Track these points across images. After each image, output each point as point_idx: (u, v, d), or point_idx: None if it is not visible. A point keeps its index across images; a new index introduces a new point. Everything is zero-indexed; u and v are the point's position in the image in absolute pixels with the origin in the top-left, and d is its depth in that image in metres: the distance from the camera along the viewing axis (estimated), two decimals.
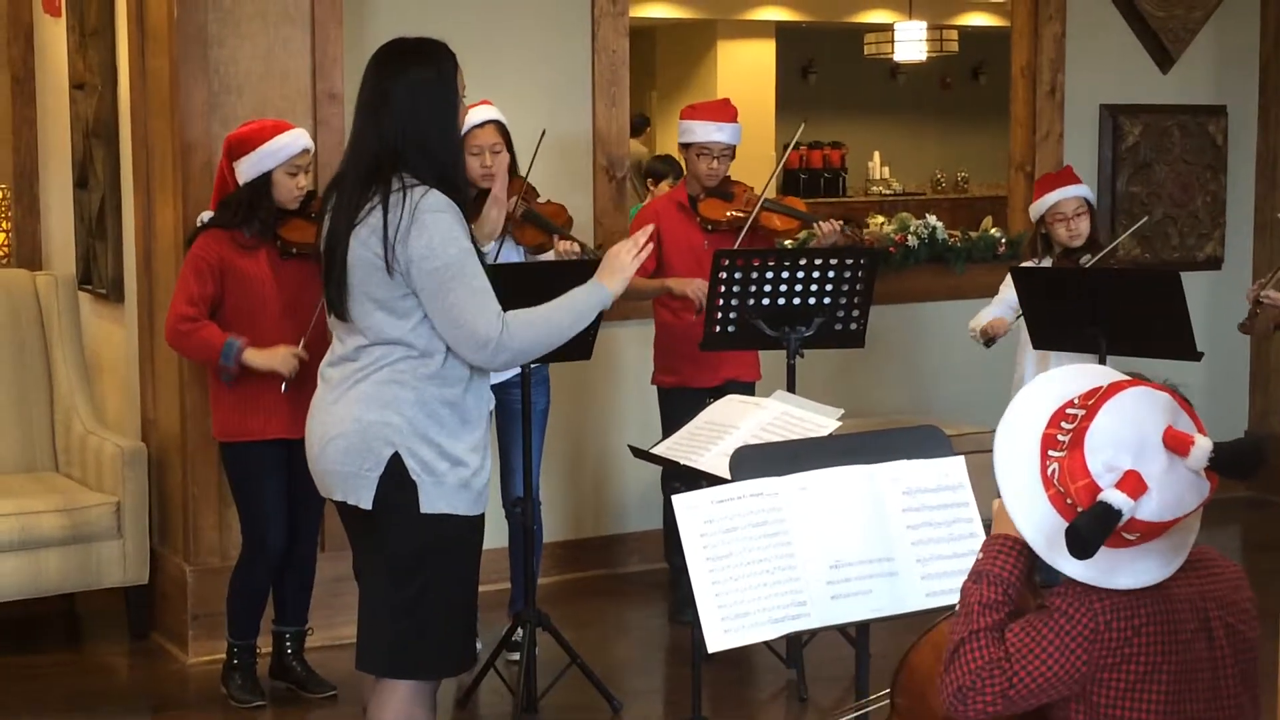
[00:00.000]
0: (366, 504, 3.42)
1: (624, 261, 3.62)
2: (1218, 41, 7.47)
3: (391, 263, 3.34)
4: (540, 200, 5.09)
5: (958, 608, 2.50)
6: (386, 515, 3.42)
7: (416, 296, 3.37)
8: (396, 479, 3.39)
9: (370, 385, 3.41)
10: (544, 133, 4.85)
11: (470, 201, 4.20)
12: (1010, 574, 2.48)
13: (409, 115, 3.41)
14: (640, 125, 12.72)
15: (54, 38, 6.31)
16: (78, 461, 5.65)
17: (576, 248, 4.96)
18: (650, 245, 3.67)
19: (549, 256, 4.99)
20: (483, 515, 3.53)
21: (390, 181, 3.37)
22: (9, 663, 5.26)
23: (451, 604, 3.50)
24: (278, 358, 4.54)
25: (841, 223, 5.45)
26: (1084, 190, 5.53)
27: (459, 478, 3.42)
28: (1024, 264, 5.64)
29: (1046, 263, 5.53)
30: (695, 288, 5.25)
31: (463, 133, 4.71)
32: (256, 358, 4.54)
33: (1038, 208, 5.55)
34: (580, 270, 3.85)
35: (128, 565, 5.37)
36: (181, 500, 5.26)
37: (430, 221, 3.33)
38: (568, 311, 3.53)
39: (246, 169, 4.56)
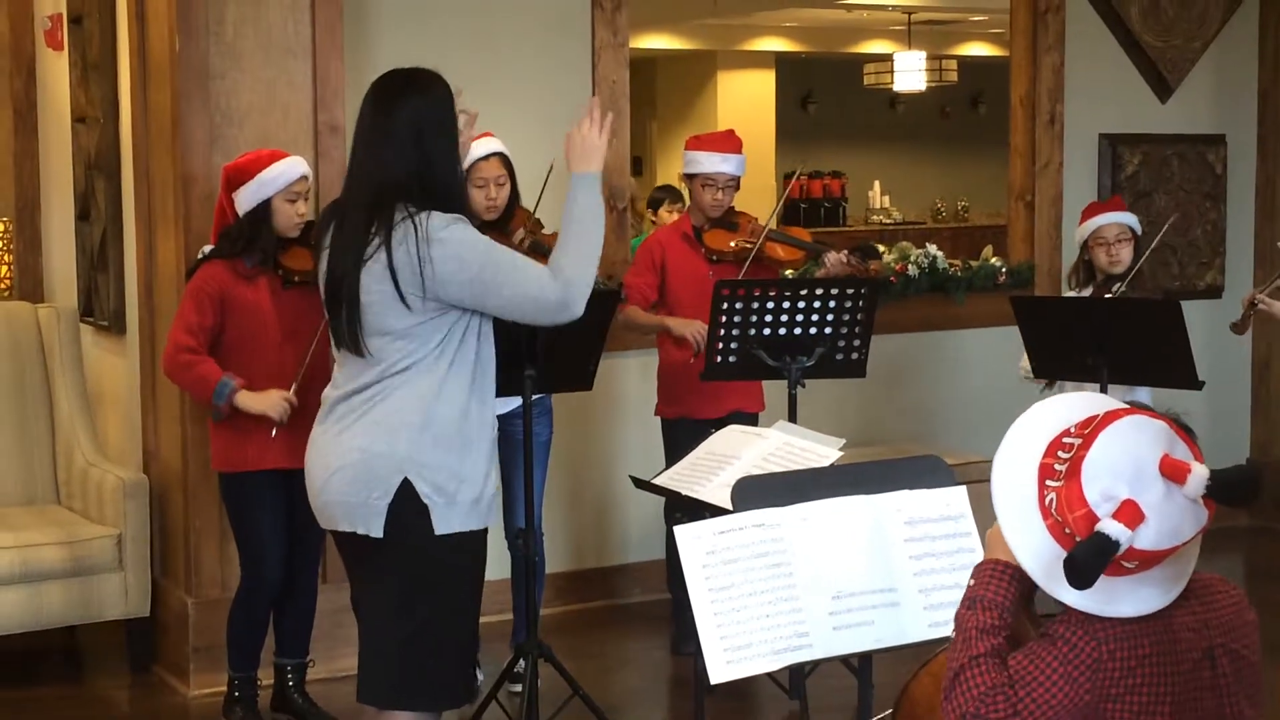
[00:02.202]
0: (377, 532, 3.42)
1: (592, 141, 3.58)
2: (1216, 71, 7.49)
3: (420, 291, 3.34)
4: (546, 232, 5.10)
5: (954, 635, 2.50)
6: (399, 542, 3.43)
7: (437, 321, 3.39)
8: (408, 505, 3.40)
9: (378, 414, 3.42)
10: (552, 167, 4.86)
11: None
12: (1004, 598, 2.47)
13: (410, 145, 3.42)
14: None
15: (56, 71, 6.33)
16: (79, 494, 5.64)
17: None
18: (610, 116, 3.64)
19: None
20: (486, 532, 3.54)
21: (393, 214, 3.38)
22: (10, 696, 5.25)
23: (455, 634, 3.50)
24: (269, 402, 4.53)
25: (848, 254, 5.43)
26: (1128, 218, 5.52)
27: (470, 495, 3.45)
28: (1067, 292, 5.65)
29: (1087, 291, 5.51)
30: (694, 330, 5.25)
31: (467, 165, 4.76)
32: (248, 401, 4.53)
33: (1080, 233, 5.55)
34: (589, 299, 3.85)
35: (129, 598, 5.36)
36: (183, 532, 5.26)
37: (447, 236, 3.36)
38: (582, 220, 3.52)
39: (245, 198, 4.57)
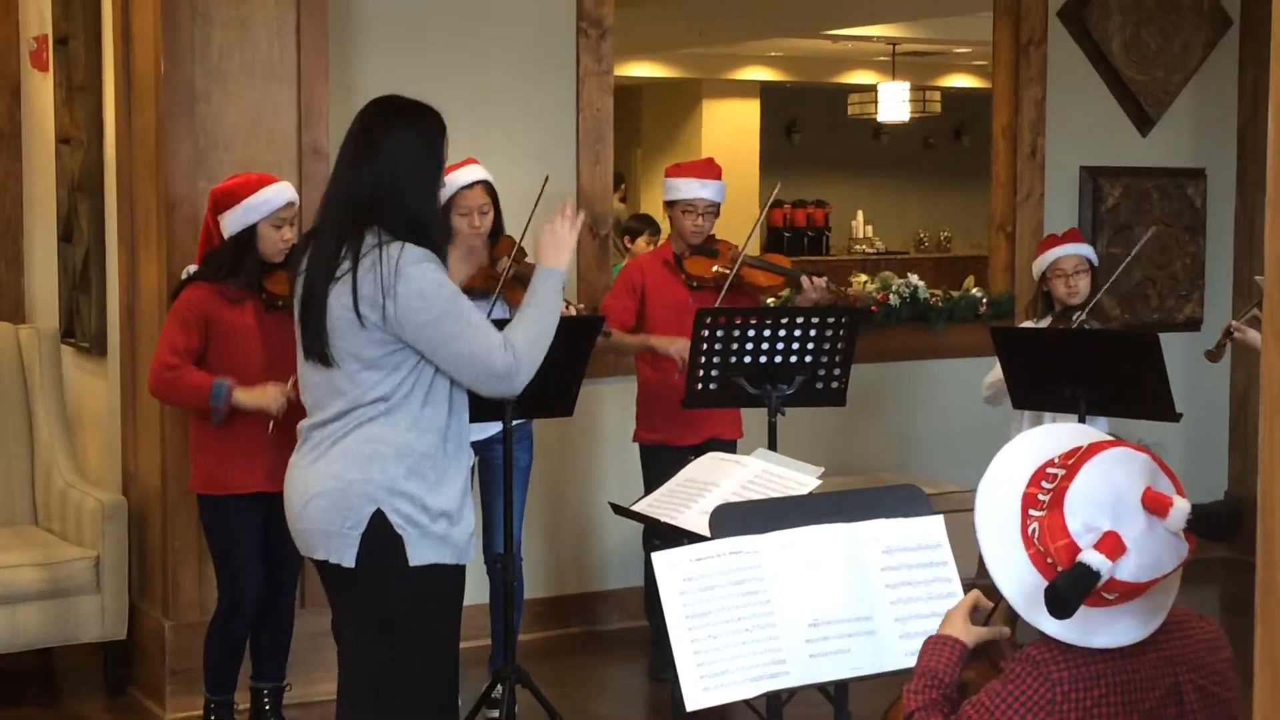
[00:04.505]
0: (349, 562, 3.41)
1: (562, 235, 3.64)
2: (1196, 105, 7.54)
3: (380, 321, 3.33)
4: (529, 261, 5.10)
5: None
6: (371, 573, 3.41)
7: (408, 351, 3.37)
8: (381, 535, 3.38)
9: (351, 442, 3.41)
10: (547, 179, 4.82)
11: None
12: (936, 662, 2.58)
13: (390, 169, 3.41)
14: (614, 181, 12.76)
15: (41, 92, 6.33)
16: (57, 515, 5.63)
17: (567, 308, 4.95)
18: (582, 215, 3.71)
19: None
20: (464, 567, 3.54)
21: (364, 236, 3.37)
22: None
23: (435, 662, 3.48)
24: (268, 396, 4.52)
25: (826, 280, 5.48)
26: (1085, 249, 5.57)
27: (445, 526, 3.43)
28: (1024, 323, 5.69)
29: (1045, 322, 5.55)
30: (679, 348, 5.27)
31: (451, 193, 4.77)
32: (246, 396, 4.52)
33: (1039, 265, 5.60)
34: (568, 326, 3.85)
35: (106, 620, 5.34)
36: (161, 555, 5.24)
37: (416, 274, 3.34)
38: (543, 310, 3.55)
39: (231, 222, 4.57)
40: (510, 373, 3.43)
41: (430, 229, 3.46)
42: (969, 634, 2.60)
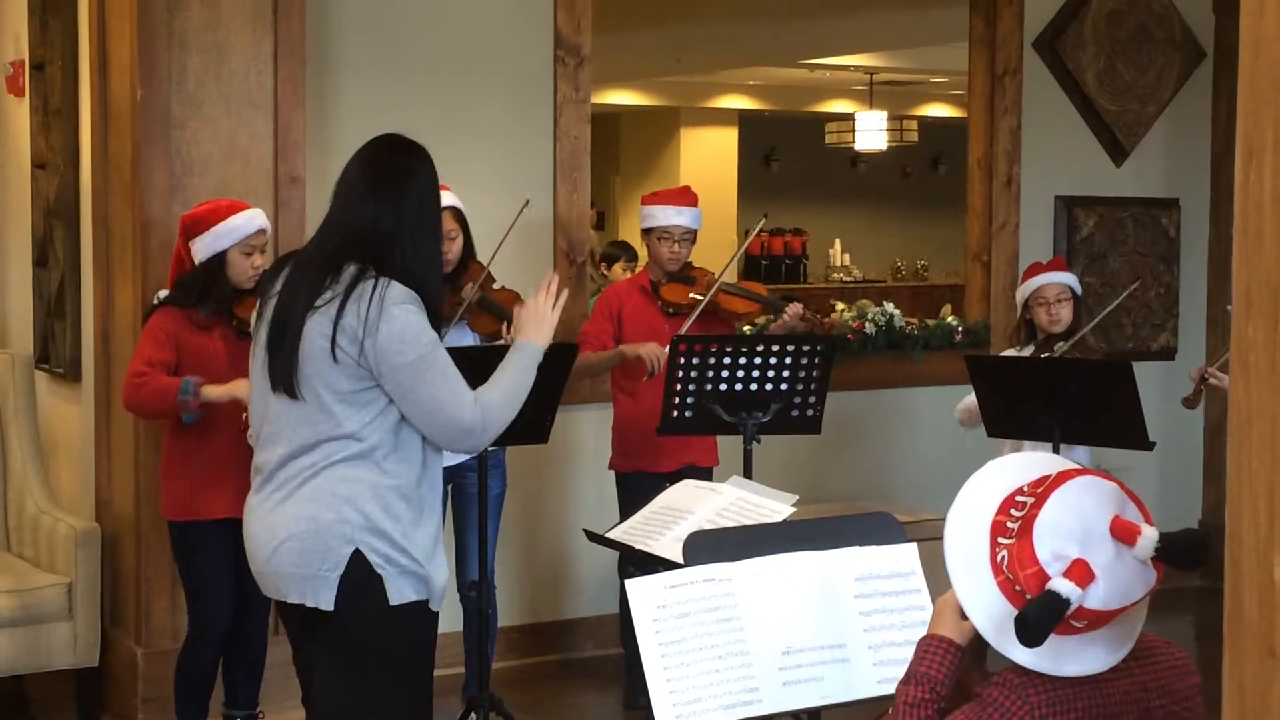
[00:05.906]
0: (328, 605, 3.33)
1: (544, 312, 3.62)
2: (1170, 136, 7.59)
3: (356, 356, 3.28)
4: (496, 287, 5.11)
5: (890, 710, 2.54)
6: (351, 614, 3.34)
7: (381, 389, 3.32)
8: (360, 576, 3.32)
9: (323, 481, 3.33)
10: (528, 202, 4.82)
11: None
12: (937, 671, 2.51)
13: (391, 207, 3.37)
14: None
15: (17, 117, 6.33)
16: (30, 541, 5.60)
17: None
18: (565, 292, 3.70)
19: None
20: (438, 612, 3.50)
21: (355, 270, 3.32)
22: None
23: (410, 702, 3.44)
24: (242, 388, 4.47)
25: (802, 308, 5.50)
26: (1068, 278, 5.60)
27: (422, 565, 3.38)
28: (1007, 350, 5.71)
29: (1028, 350, 5.57)
30: (648, 351, 5.28)
31: None
32: (216, 390, 4.47)
33: (1021, 292, 5.63)
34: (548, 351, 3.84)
35: (78, 647, 5.31)
36: (134, 582, 5.22)
37: (399, 314, 3.28)
38: (520, 374, 3.53)
39: (202, 248, 4.56)
40: (476, 429, 3.38)
41: (425, 271, 3.40)
42: (961, 633, 2.52)
